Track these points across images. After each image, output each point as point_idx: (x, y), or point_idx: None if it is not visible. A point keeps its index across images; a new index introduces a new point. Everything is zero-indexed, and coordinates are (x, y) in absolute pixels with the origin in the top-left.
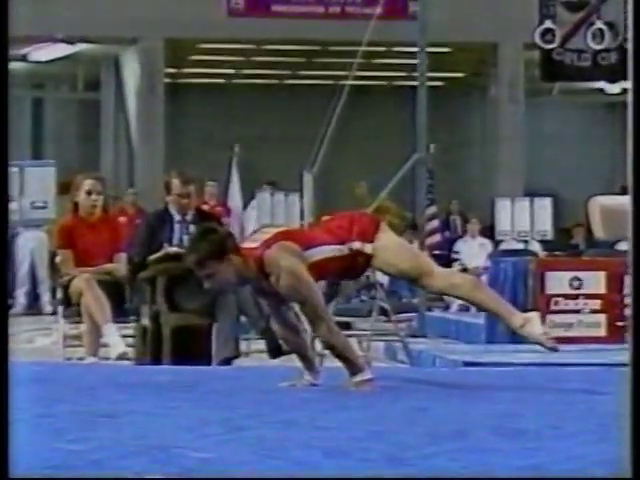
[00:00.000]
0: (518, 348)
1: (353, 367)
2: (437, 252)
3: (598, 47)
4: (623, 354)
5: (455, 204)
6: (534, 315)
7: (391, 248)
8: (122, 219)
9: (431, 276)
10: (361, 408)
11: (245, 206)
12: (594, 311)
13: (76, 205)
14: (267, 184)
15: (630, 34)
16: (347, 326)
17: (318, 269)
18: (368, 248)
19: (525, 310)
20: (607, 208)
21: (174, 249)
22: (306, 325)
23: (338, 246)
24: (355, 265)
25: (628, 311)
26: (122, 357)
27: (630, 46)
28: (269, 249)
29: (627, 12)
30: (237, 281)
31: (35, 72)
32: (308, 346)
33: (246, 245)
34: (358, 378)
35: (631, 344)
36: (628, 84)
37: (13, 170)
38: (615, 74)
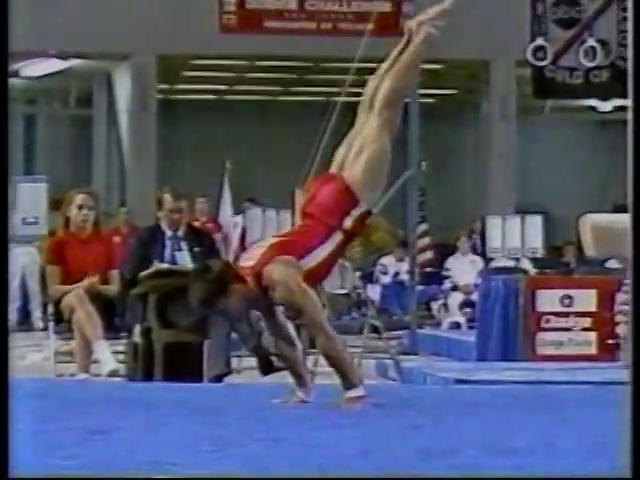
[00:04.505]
0: (509, 366)
1: (347, 382)
2: (428, 269)
3: (590, 64)
4: (614, 372)
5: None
6: None
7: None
8: (116, 239)
9: None
10: (352, 426)
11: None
12: (585, 329)
13: (67, 220)
14: (248, 201)
15: (630, 52)
16: None
17: (317, 273)
18: (356, 214)
19: (516, 328)
20: (598, 226)
21: (165, 265)
22: (300, 342)
23: (332, 237)
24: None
25: (619, 329)
26: (113, 374)
27: (630, 61)
28: (267, 265)
29: (620, 29)
30: (247, 306)
31: (27, 87)
32: (302, 362)
33: (243, 264)
34: (350, 394)
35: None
36: (620, 102)
37: None
38: (607, 92)
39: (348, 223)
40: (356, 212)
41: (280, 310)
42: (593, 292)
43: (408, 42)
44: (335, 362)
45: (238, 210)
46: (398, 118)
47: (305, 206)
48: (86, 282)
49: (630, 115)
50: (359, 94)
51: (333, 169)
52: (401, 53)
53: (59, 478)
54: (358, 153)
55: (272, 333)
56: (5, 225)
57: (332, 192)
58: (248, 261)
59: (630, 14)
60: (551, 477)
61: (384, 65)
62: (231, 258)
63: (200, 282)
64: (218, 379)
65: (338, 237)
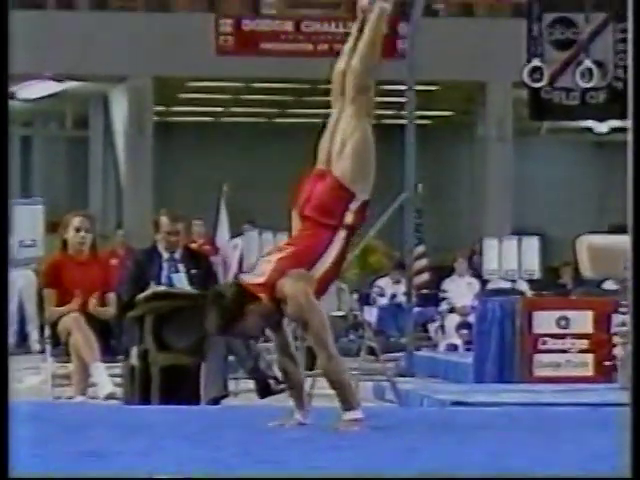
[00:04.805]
0: (506, 388)
1: (346, 403)
2: (425, 291)
3: (587, 86)
4: (611, 394)
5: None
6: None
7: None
8: (113, 261)
9: None
10: (350, 448)
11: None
12: (582, 350)
13: (65, 242)
14: (248, 223)
15: (629, 73)
16: None
17: (329, 277)
18: (355, 207)
19: (513, 350)
20: (595, 247)
21: (162, 288)
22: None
23: (336, 237)
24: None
25: (616, 350)
26: (110, 397)
27: (630, 82)
28: (279, 280)
29: (616, 50)
30: (265, 323)
31: (23, 110)
32: (304, 384)
33: (254, 281)
34: (348, 416)
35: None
36: (617, 123)
37: None
38: (604, 113)
39: (349, 219)
40: (354, 205)
41: (287, 327)
42: (590, 313)
43: (363, 22)
44: (335, 383)
45: (237, 232)
46: (372, 100)
47: (302, 209)
48: (75, 302)
49: (630, 136)
50: None
51: (320, 165)
52: (359, 35)
53: (59, 478)
54: (342, 146)
55: (278, 349)
56: (5, 248)
57: (326, 191)
58: (259, 277)
59: (630, 35)
60: (552, 477)
61: (346, 48)
62: (230, 277)
63: (215, 309)
64: (215, 402)
65: (342, 235)
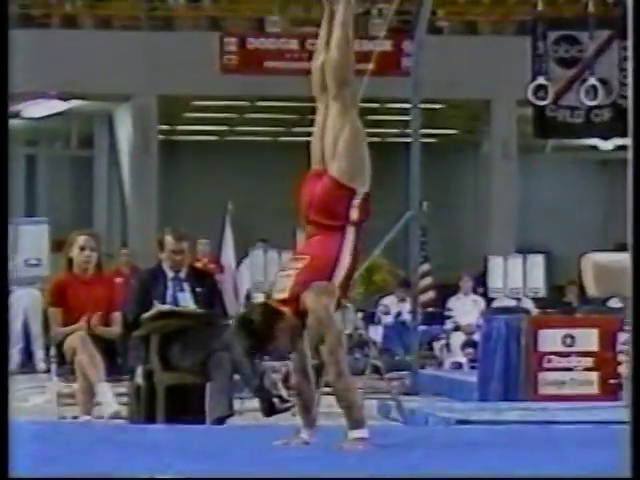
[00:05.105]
0: (511, 406)
1: (352, 421)
2: (430, 309)
3: (591, 104)
4: (615, 412)
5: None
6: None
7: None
8: (118, 280)
9: None
10: (355, 466)
11: (238, 264)
12: (587, 369)
13: (70, 261)
14: (260, 241)
15: (629, 92)
16: None
17: (348, 278)
18: (357, 202)
19: (518, 368)
20: (600, 265)
21: (167, 307)
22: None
23: (345, 236)
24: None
25: (621, 368)
26: (115, 416)
27: (630, 101)
28: (303, 292)
29: (621, 68)
30: (293, 338)
31: (28, 129)
32: (316, 402)
33: (277, 297)
34: (354, 435)
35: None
36: (621, 141)
37: None
38: (608, 131)
39: (354, 215)
40: (357, 200)
41: (306, 341)
42: (595, 331)
43: (332, 16)
44: (342, 401)
45: (245, 251)
46: (356, 92)
47: (307, 213)
48: (83, 322)
49: (630, 154)
50: None
51: (316, 165)
52: (329, 29)
53: (59, 478)
54: (334, 145)
55: (295, 366)
56: (5, 267)
57: (327, 192)
58: (281, 293)
59: (630, 53)
60: (552, 477)
61: (320, 44)
62: (241, 299)
63: (245, 334)
64: (220, 421)
65: (351, 233)
